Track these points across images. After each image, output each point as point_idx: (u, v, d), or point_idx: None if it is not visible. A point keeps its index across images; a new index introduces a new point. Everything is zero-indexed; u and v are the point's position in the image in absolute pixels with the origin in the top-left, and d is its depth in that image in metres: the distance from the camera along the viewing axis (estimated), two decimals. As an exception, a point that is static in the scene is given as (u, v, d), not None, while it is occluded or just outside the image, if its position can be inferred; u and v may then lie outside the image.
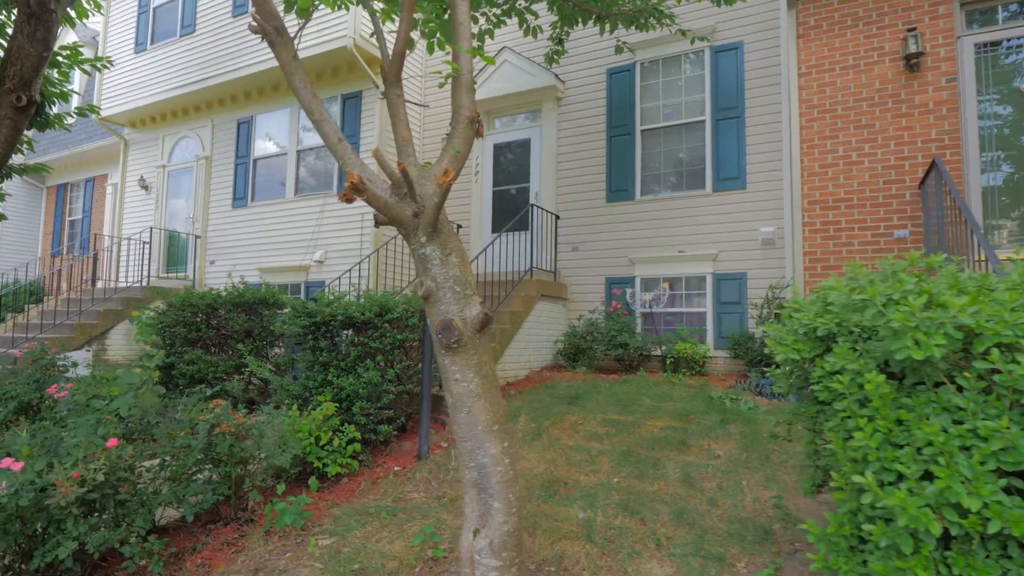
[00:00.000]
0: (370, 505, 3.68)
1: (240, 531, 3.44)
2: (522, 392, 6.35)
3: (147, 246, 10.83)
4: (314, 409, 4.29)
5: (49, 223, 15.32)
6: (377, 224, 2.58)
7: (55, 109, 6.21)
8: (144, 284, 10.04)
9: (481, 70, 9.26)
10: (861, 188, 6.04)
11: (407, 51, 3.14)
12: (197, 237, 10.80)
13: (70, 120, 6.38)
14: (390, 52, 3.00)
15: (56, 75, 6.24)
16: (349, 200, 2.34)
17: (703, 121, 7.85)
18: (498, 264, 9.03)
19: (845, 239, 6.06)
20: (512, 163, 9.32)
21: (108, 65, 6.37)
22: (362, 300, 4.74)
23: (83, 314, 9.10)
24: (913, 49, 5.81)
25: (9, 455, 2.71)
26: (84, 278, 12.20)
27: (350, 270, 7.69)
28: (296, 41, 3.06)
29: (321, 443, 3.94)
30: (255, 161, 10.45)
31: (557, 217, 8.60)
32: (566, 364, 7.75)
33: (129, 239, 10.96)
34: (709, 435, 4.65)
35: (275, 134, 10.32)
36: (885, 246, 5.90)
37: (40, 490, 2.54)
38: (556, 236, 8.61)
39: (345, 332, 4.52)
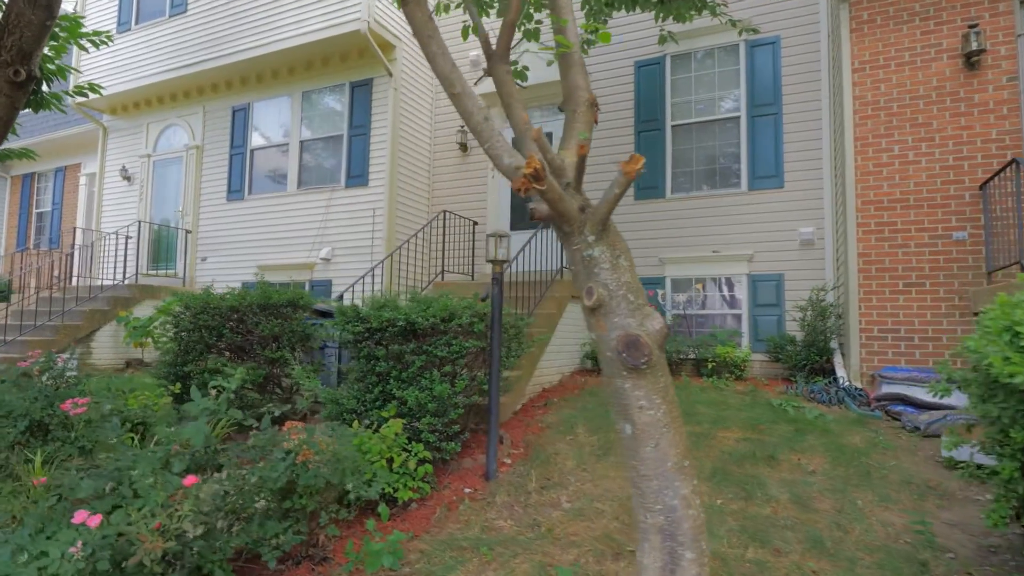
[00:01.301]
0: (458, 537, 3.27)
1: (315, 572, 2.98)
2: (565, 399, 5.99)
3: (132, 241, 10.07)
4: (372, 426, 3.84)
5: (14, 216, 14.25)
6: (535, 218, 2.17)
7: (51, 87, 5.55)
8: (132, 282, 9.31)
9: (500, 60, 8.82)
10: (918, 188, 5.86)
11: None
12: (188, 232, 10.09)
13: (69, 100, 5.74)
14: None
15: (48, 50, 5.61)
16: (526, 191, 1.93)
17: (738, 117, 7.60)
18: (521, 263, 8.64)
19: (901, 240, 5.87)
20: (532, 158, 8.92)
21: (107, 41, 5.74)
22: (407, 303, 4.31)
23: (66, 314, 8.34)
24: (974, 47, 5.64)
25: (81, 502, 2.21)
26: (55, 275, 11.32)
27: (373, 268, 7.19)
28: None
29: (394, 466, 3.50)
30: (252, 152, 9.80)
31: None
32: (595, 368, 7.42)
33: (116, 233, 10.15)
34: (791, 448, 4.37)
35: (275, 123, 9.70)
36: (943, 248, 5.72)
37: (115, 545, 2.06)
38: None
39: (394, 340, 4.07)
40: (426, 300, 4.31)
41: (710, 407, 5.54)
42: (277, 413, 3.27)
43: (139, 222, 9.95)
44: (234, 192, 9.85)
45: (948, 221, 5.74)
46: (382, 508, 3.43)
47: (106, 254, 10.50)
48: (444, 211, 8.37)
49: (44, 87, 5.15)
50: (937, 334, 5.70)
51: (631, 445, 2.05)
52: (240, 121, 9.94)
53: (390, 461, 3.52)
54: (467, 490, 3.89)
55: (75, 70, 5.56)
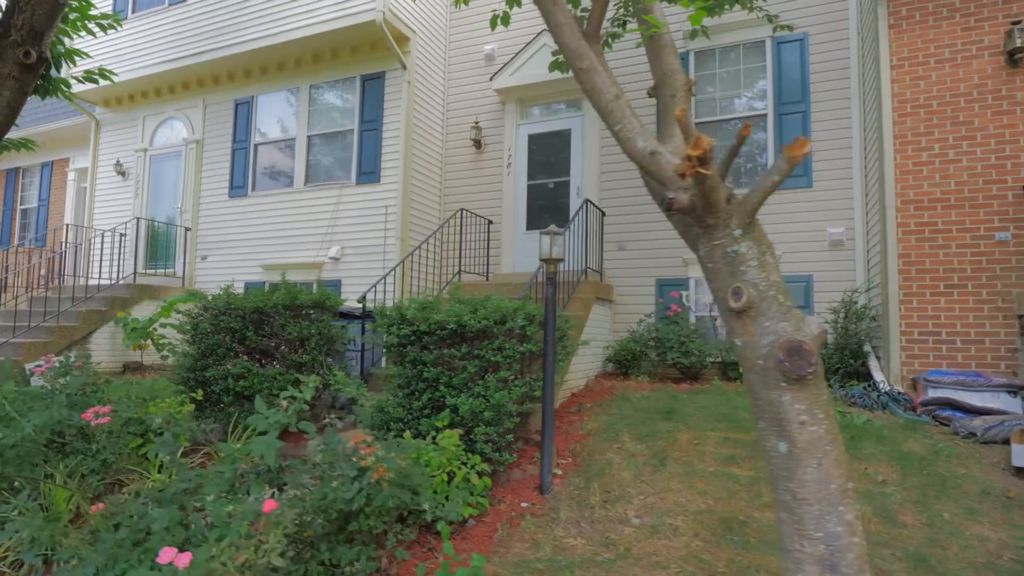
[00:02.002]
0: (530, 559, 3.02)
1: (384, 600, 2.72)
2: (598, 405, 5.77)
3: (127, 239, 9.66)
4: (424, 437, 3.58)
5: (-3, 212, 13.66)
6: (673, 209, 1.94)
7: (59, 72, 5.20)
8: (131, 282, 8.90)
9: (517, 54, 8.61)
10: (959, 188, 5.74)
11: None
12: (187, 229, 9.70)
13: (80, 87, 5.39)
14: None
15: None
16: (690, 175, 1.70)
17: (765, 115, 7.46)
18: (534, 263, 8.41)
19: (942, 241, 5.75)
20: (549, 155, 8.70)
21: (116, 25, 5.40)
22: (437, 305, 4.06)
23: (61, 315, 7.93)
24: (1018, 43, 5.54)
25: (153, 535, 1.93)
26: (43, 274, 10.83)
27: (394, 268, 6.90)
28: None
29: (456, 480, 3.25)
30: (256, 147, 9.44)
31: (603, 213, 8.04)
32: (618, 372, 7.22)
33: (115, 230, 9.71)
34: (853, 456, 4.20)
35: (280, 117, 9.35)
36: (985, 249, 5.61)
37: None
38: (603, 234, 8.05)
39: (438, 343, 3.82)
40: (470, 301, 4.06)
41: (748, 413, 5.33)
42: (340, 424, 2.99)
43: (137, 219, 9.53)
44: (237, 188, 9.48)
45: (990, 221, 5.63)
46: (442, 527, 3.17)
47: (100, 253, 10.05)
48: (461, 209, 8.11)
49: (60, 71, 4.81)
50: (980, 336, 5.58)
51: (786, 465, 1.83)
52: (243, 115, 9.57)
53: (450, 475, 3.26)
54: (524, 504, 3.64)
55: (84, 54, 5.22)
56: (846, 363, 6.32)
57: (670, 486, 3.82)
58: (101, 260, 9.90)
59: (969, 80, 5.79)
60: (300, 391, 2.56)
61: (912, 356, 5.77)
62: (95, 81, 5.27)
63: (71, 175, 12.67)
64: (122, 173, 10.47)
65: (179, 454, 4.00)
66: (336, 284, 8.47)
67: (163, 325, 8.33)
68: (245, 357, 4.89)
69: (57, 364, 3.85)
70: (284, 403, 2.47)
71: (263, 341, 4.81)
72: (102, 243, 9.78)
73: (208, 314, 4.93)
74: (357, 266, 8.37)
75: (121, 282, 8.91)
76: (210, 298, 5.04)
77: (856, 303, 6.48)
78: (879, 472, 3.94)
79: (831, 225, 7.02)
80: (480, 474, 3.49)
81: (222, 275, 9.33)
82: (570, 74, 8.00)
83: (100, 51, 10.08)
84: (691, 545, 3.09)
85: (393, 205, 8.24)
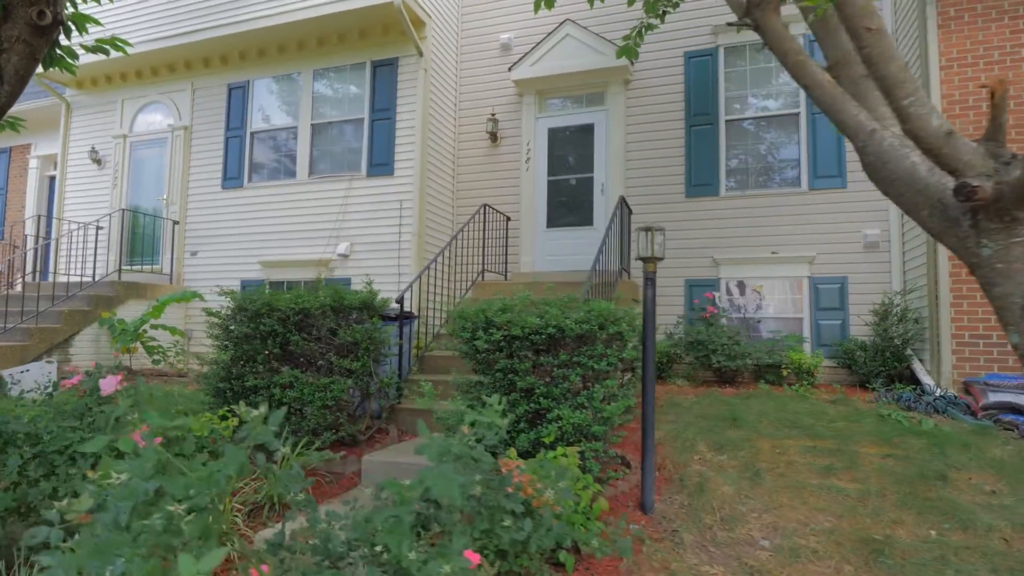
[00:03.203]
0: (677, 593, 2.70)
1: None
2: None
3: (104, 232, 8.87)
4: (529, 455, 3.22)
5: (-53, 201, 12.44)
6: (973, 199, 1.65)
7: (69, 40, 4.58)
8: (115, 279, 8.14)
9: (538, 44, 8.26)
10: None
11: None
12: (175, 223, 8.97)
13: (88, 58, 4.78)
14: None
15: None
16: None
17: (797, 114, 7.34)
18: (555, 262, 8.12)
19: (993, 244, 5.70)
20: (571, 150, 8.40)
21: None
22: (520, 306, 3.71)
23: (40, 316, 7.16)
24: (1068, 46, 5.55)
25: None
26: (14, 269, 9.87)
27: (428, 266, 6.45)
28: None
29: (581, 504, 2.90)
30: (253, 135, 8.81)
31: (630, 211, 7.78)
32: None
33: (97, 223, 8.89)
34: (948, 464, 4.04)
35: (280, 104, 8.75)
36: (1036, 252, 5.59)
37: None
38: (629, 233, 7.78)
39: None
40: (556, 302, 3.72)
41: (815, 418, 5.18)
42: (501, 448, 2.58)
43: (123, 211, 8.74)
44: (231, 179, 8.82)
45: (1041, 224, 5.61)
46: (564, 556, 2.81)
47: (74, 247, 9.20)
48: (484, 205, 7.71)
49: (70, 39, 4.20)
50: (1031, 340, 5.55)
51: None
52: (238, 100, 8.92)
53: (576, 501, 2.91)
54: (633, 526, 3.32)
55: (95, 21, 4.62)
56: (889, 366, 6.25)
57: (779, 501, 3.56)
58: (70, 255, 9.06)
59: (1018, 83, 5.77)
60: (480, 412, 2.16)
61: (963, 359, 5.72)
62: (106, 52, 4.63)
63: (33, 163, 11.64)
64: (98, 161, 9.63)
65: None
66: (345, 282, 7.93)
67: (154, 327, 7.66)
68: (287, 364, 4.40)
69: (86, 375, 3.30)
70: (465, 428, 2.06)
71: (309, 346, 4.32)
72: (84, 236, 8.93)
73: (243, 316, 4.41)
74: (368, 263, 7.87)
75: (105, 279, 8.14)
76: (240, 297, 4.51)
77: (900, 305, 6.41)
78: (985, 482, 3.79)
79: (866, 227, 6.95)
80: (594, 495, 3.15)
81: (215, 272, 8.67)
82: (599, 65, 7.70)
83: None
84: (842, 570, 2.83)
85: (409, 199, 7.78)
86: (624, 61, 7.83)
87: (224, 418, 3.95)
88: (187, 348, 8.58)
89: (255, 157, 8.78)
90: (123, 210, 8.72)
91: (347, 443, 4.51)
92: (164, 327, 7.77)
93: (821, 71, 2.25)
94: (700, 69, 7.75)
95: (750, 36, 7.49)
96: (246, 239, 8.59)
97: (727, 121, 7.61)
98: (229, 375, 4.32)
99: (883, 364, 6.28)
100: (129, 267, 8.71)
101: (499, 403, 2.20)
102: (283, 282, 8.33)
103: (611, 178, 8.01)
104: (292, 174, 8.49)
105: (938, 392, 5.60)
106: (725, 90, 7.65)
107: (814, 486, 3.75)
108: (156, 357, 7.68)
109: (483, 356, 3.49)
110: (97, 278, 8.23)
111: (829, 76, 2.25)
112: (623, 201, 6.98)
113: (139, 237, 9.20)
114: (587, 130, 8.27)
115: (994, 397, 5.21)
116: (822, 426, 4.96)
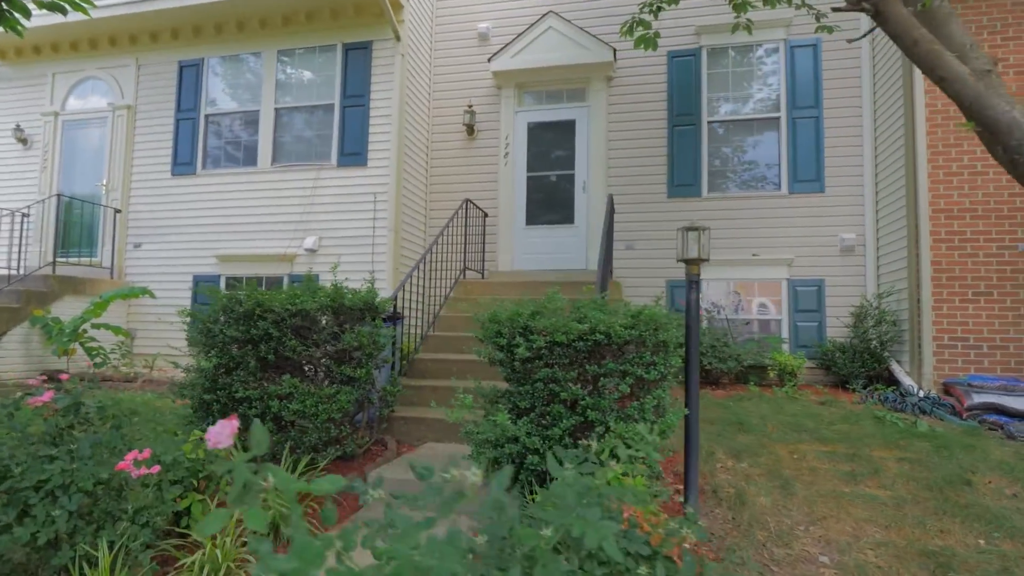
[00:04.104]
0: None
1: None
2: (652, 416, 5.36)
3: (41, 220, 7.93)
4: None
5: None
6: None
7: None
8: (49, 272, 7.26)
9: (519, 35, 8.00)
10: (986, 199, 5.96)
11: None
12: (116, 211, 8.12)
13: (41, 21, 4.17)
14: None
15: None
16: None
17: (778, 118, 7.43)
18: (534, 260, 7.91)
19: (971, 249, 5.94)
20: (551, 146, 8.19)
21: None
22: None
23: (-40, 314, 6.27)
24: (1039, 63, 5.83)
25: None
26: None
27: (417, 264, 6.06)
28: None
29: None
30: (207, 117, 8.09)
31: (613, 210, 7.65)
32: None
33: (24, 211, 7.91)
34: (964, 468, 4.10)
35: (240, 86, 8.08)
36: (1010, 258, 5.86)
37: None
38: (612, 231, 7.66)
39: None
40: (589, 304, 3.50)
41: (815, 421, 5.21)
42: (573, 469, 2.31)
43: (57, 196, 7.81)
44: (182, 165, 8.08)
45: (1014, 232, 5.89)
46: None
47: (-7, 235, 8.17)
48: (466, 200, 7.38)
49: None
50: (1005, 343, 5.82)
51: None
52: (190, 80, 8.17)
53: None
54: (684, 545, 3.13)
55: (49, -21, 3.99)
56: (868, 367, 6.41)
57: (820, 512, 3.48)
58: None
59: (993, 95, 6.01)
60: (634, 443, 1.87)
61: (942, 361, 5.92)
62: (62, 10, 4.01)
63: (-61, 139, 10.28)
64: (23, 140, 8.60)
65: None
66: (313, 280, 7.40)
67: (95, 326, 6.88)
68: (280, 372, 3.96)
69: (63, 397, 2.76)
70: (614, 463, 1.77)
71: (308, 351, 3.90)
72: (12, 225, 7.92)
73: (229, 317, 3.92)
74: (339, 259, 7.37)
75: (37, 273, 7.25)
76: (226, 296, 4.02)
77: (877, 308, 6.59)
78: (1002, 485, 3.86)
79: (843, 231, 7.12)
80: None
81: (163, 266, 7.93)
82: (582, 60, 7.52)
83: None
84: (910, 587, 2.76)
85: (383, 192, 7.34)
86: (608, 57, 7.70)
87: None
88: (131, 349, 7.80)
89: (210, 142, 8.07)
90: (58, 196, 7.78)
91: (343, 457, 4.12)
92: (107, 326, 7.01)
93: (958, 63, 2.14)
94: (683, 69, 7.72)
95: (733, 38, 7.52)
96: (200, 231, 7.89)
97: (709, 122, 7.62)
98: (214, 385, 3.84)
99: (863, 365, 6.43)
100: (64, 259, 7.81)
101: (649, 431, 1.94)
102: (242, 278, 7.71)
103: (593, 176, 7.86)
104: (253, 161, 7.85)
105: (921, 393, 5.77)
106: (708, 91, 7.65)
107: (847, 495, 3.70)
108: (98, 360, 6.90)
109: (521, 365, 3.21)
110: (27, 271, 7.33)
111: (968, 68, 2.13)
112: (612, 200, 6.84)
113: (75, 226, 8.28)
114: (568, 126, 8.09)
115: (978, 398, 5.40)
116: (825, 429, 4.98)
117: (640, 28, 6.15)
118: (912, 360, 6.09)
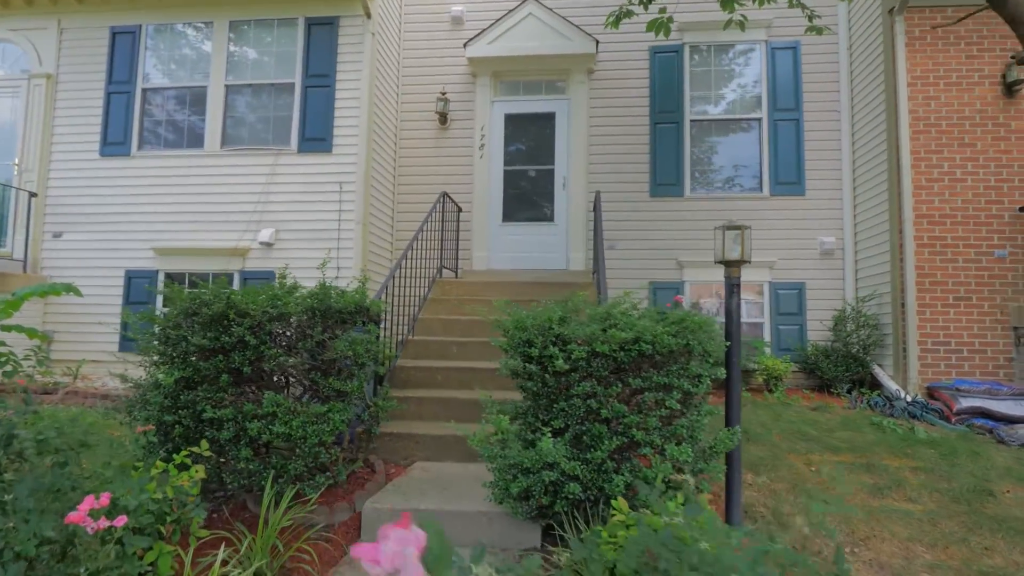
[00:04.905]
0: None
1: None
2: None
3: (-66, 202, 6.78)
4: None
5: None
6: None
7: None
8: (-52, 264, 6.18)
9: (497, 21, 7.56)
10: (965, 206, 6.05)
11: None
12: (32, 195, 7.06)
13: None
14: None
15: None
16: None
17: (759, 119, 7.36)
18: (512, 259, 7.50)
19: (951, 255, 6.01)
20: (530, 139, 7.79)
21: None
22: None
23: None
24: (1016, 76, 5.96)
25: None
26: None
27: (400, 262, 5.48)
28: None
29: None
30: (145, 92, 7.18)
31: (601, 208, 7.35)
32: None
33: None
34: (976, 475, 4.03)
35: (184, 58, 7.21)
36: (987, 264, 5.97)
37: None
38: (592, 231, 7.35)
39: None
40: (648, 313, 3.13)
41: (816, 428, 5.08)
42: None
43: (-42, 175, 6.68)
44: (113, 145, 7.12)
45: (991, 239, 6.00)
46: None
47: None
48: (444, 193, 6.86)
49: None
50: (983, 347, 5.92)
51: None
52: (124, 48, 7.22)
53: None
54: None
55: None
56: (852, 371, 6.40)
57: (859, 532, 3.26)
58: None
59: (973, 105, 6.12)
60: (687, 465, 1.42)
61: (926, 365, 5.96)
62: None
63: None
64: (-87, 108, 7.35)
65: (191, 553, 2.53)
66: (269, 276, 6.70)
67: (5, 328, 5.88)
68: (257, 387, 3.36)
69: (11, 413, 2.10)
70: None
71: (291, 362, 3.32)
72: None
73: (193, 321, 3.28)
74: (299, 254, 6.69)
75: (-69, 265, 6.16)
76: (188, 297, 3.37)
77: (859, 312, 6.60)
78: (1022, 495, 3.79)
79: (823, 234, 7.12)
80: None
81: (89, 259, 6.96)
82: (563, 51, 7.16)
83: None
84: (991, 618, 2.54)
85: (351, 181, 6.72)
86: (591, 49, 7.39)
87: (184, 467, 2.87)
88: (49, 355, 6.78)
89: (148, 120, 7.16)
90: (-41, 174, 6.67)
91: (332, 485, 3.56)
92: (19, 328, 6.01)
93: None
94: (666, 65, 7.52)
95: (716, 36, 7.39)
96: (134, 220, 6.97)
97: (692, 121, 7.45)
98: (175, 404, 3.19)
99: (847, 369, 6.42)
100: (-36, 249, 6.71)
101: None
102: (184, 274, 6.87)
103: (573, 172, 7.53)
104: (199, 144, 7.01)
105: (908, 397, 5.77)
106: (690, 89, 7.48)
107: (878, 510, 3.51)
108: (8, 368, 5.90)
109: (554, 378, 2.79)
110: (-84, 263, 6.22)
111: None
112: (599, 198, 6.52)
113: (-22, 211, 7.15)
114: (547, 119, 7.72)
115: (965, 402, 5.44)
116: (829, 437, 4.84)
117: (626, 19, 5.88)
118: (896, 364, 6.11)
